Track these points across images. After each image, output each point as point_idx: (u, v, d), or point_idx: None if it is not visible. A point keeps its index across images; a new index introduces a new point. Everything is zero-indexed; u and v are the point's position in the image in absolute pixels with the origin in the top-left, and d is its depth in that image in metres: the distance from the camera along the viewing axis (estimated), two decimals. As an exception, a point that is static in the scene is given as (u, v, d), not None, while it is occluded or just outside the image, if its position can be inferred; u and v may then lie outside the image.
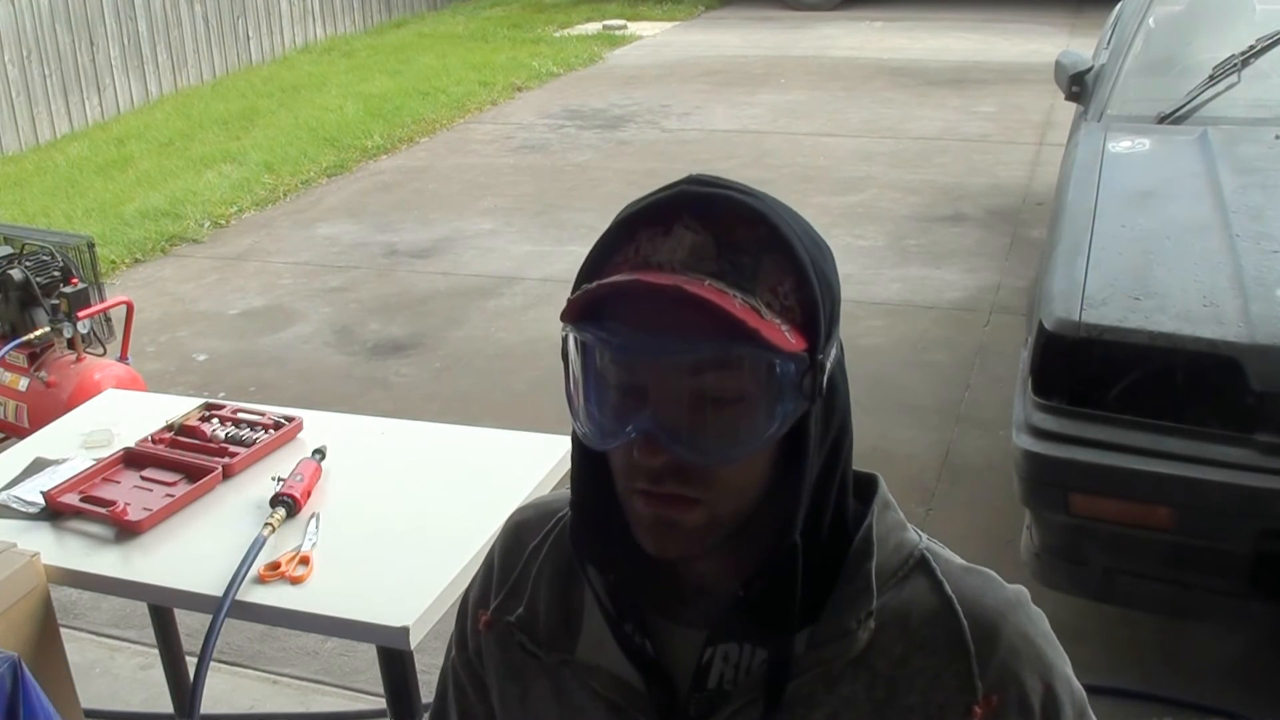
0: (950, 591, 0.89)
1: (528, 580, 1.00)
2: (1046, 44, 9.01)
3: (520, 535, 1.04)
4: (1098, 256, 2.73)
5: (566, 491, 1.02)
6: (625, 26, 11.42)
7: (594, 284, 0.83)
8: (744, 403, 0.82)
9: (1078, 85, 4.07)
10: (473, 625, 1.04)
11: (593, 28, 11.43)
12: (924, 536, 0.94)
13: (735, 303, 0.80)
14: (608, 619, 0.93)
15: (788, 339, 0.82)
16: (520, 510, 1.07)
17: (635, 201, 0.87)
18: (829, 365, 0.85)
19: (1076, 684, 0.92)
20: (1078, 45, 6.81)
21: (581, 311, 0.85)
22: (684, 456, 0.82)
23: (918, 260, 5.33)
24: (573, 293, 0.86)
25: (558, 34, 11.21)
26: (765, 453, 0.84)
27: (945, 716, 0.87)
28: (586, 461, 0.91)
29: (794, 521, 0.85)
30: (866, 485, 0.95)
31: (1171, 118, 3.54)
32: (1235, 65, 3.56)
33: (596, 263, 0.87)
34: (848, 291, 0.91)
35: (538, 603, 0.98)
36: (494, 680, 1.03)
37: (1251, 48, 3.58)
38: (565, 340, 0.87)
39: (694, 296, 0.80)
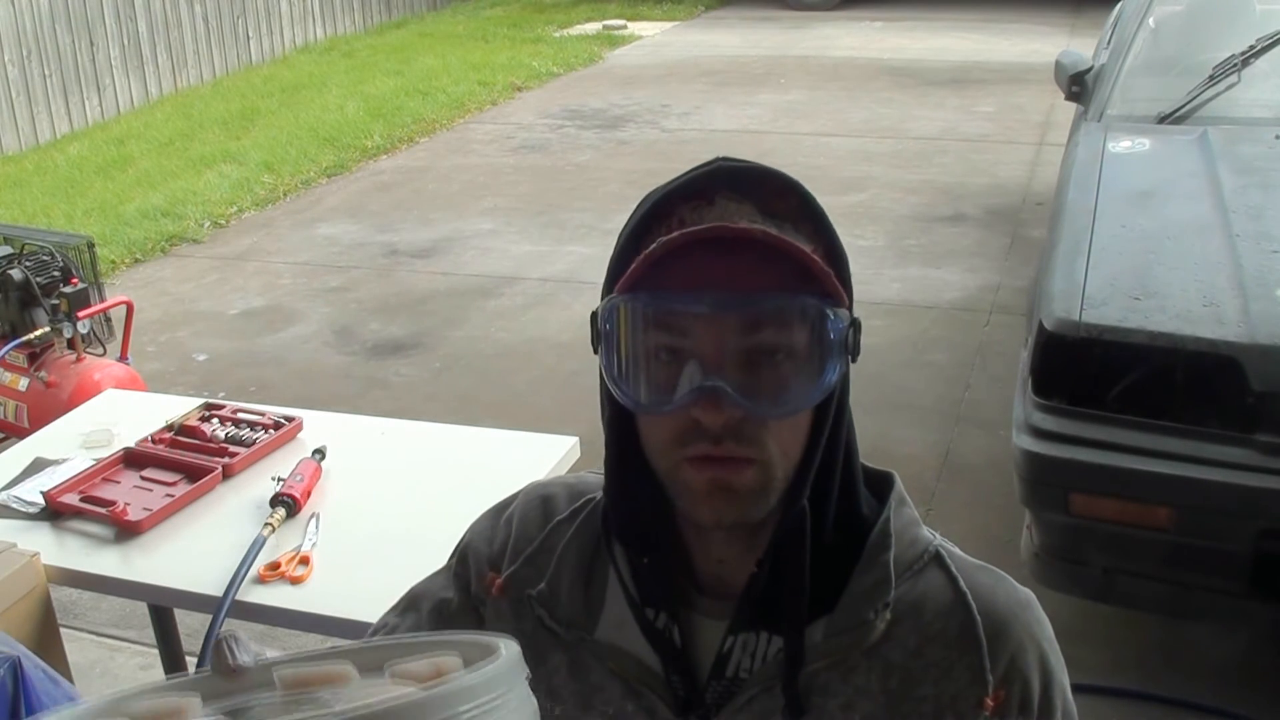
0: (965, 586, 0.91)
1: (551, 556, 0.99)
2: (1046, 44, 9.01)
3: (546, 509, 1.03)
4: (1098, 256, 2.73)
5: (592, 475, 1.03)
6: (625, 26, 11.42)
7: (675, 234, 0.83)
8: (800, 354, 0.84)
9: (1078, 85, 4.07)
10: (478, 581, 1.03)
11: (593, 28, 11.43)
12: (937, 535, 0.96)
13: (808, 251, 0.84)
14: (630, 603, 0.93)
15: (841, 291, 0.85)
16: (545, 485, 1.06)
17: (665, 184, 0.88)
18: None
19: (1070, 696, 0.94)
20: (1078, 45, 6.80)
21: (634, 280, 0.85)
22: (749, 410, 0.83)
23: (918, 260, 5.33)
24: (611, 275, 0.87)
25: (558, 34, 11.21)
26: (806, 415, 0.87)
27: (957, 708, 0.88)
28: (621, 443, 0.91)
29: (803, 486, 0.87)
30: (882, 481, 0.97)
31: (1171, 118, 3.54)
32: (1235, 65, 3.56)
33: (633, 242, 0.87)
34: (846, 291, 0.92)
35: (560, 581, 0.98)
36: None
37: (1251, 48, 3.59)
38: (612, 313, 0.86)
39: (780, 241, 0.82)
